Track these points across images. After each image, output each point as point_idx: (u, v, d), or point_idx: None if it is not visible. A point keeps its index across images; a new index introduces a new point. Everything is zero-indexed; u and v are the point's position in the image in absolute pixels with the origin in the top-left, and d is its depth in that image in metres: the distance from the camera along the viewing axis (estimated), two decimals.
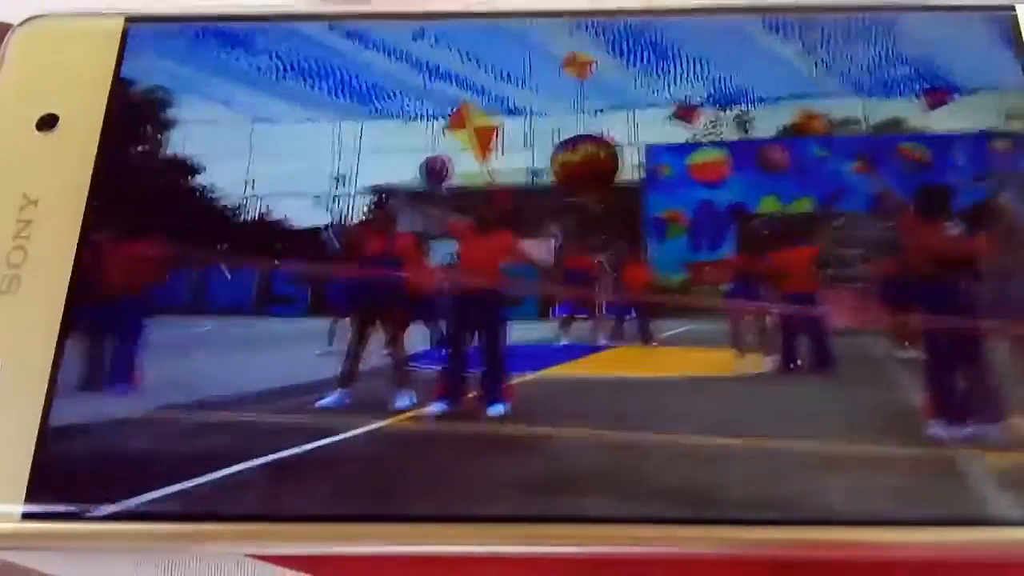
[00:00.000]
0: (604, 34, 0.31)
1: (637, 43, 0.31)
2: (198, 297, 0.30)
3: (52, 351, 0.25)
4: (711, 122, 0.29)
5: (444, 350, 0.28)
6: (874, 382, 0.26)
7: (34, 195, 0.28)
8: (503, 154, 0.30)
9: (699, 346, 0.28)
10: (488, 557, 0.25)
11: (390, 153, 0.30)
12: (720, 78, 0.30)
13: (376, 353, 0.28)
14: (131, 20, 0.31)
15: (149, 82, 0.30)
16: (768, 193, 0.29)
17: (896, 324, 0.26)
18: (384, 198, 0.29)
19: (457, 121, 0.30)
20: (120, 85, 0.30)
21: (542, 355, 0.29)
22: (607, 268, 0.30)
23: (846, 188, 0.29)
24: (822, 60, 0.30)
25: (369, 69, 0.31)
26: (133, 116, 0.30)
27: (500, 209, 0.29)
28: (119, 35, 0.30)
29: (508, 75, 0.30)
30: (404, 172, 0.29)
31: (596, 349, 0.30)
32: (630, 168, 0.30)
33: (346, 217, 0.29)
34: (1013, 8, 0.29)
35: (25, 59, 0.30)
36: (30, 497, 0.23)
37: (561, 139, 0.30)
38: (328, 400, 0.27)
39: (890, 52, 0.29)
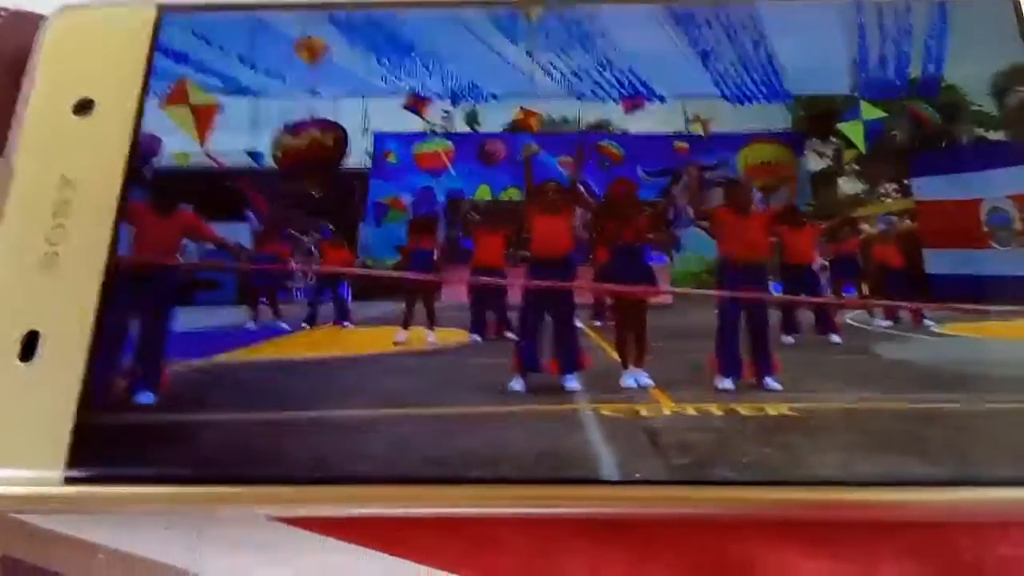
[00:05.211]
0: (341, 21, 0.31)
1: (374, 32, 0.31)
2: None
3: (91, 324, 0.26)
4: (442, 114, 0.31)
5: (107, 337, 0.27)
6: None
7: (72, 176, 0.29)
8: (224, 134, 0.30)
9: (391, 325, 0.30)
10: None
11: None
12: (451, 73, 0.31)
13: None
14: (163, 8, 0.32)
15: (181, 68, 0.31)
16: (483, 182, 0.31)
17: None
18: None
19: (176, 97, 0.30)
20: (154, 70, 0.31)
21: (220, 340, 0.29)
22: (314, 251, 0.31)
23: (555, 179, 0.31)
24: (547, 63, 0.31)
25: None
26: (166, 100, 0.31)
27: (188, 190, 0.30)
28: (152, 22, 0.31)
29: (236, 55, 0.31)
30: None
31: (285, 332, 0.30)
32: (358, 154, 0.31)
33: None
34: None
35: (61, 46, 0.31)
36: (71, 462, 0.24)
37: (286, 123, 0.30)
38: None
39: (603, 58, 0.31)
